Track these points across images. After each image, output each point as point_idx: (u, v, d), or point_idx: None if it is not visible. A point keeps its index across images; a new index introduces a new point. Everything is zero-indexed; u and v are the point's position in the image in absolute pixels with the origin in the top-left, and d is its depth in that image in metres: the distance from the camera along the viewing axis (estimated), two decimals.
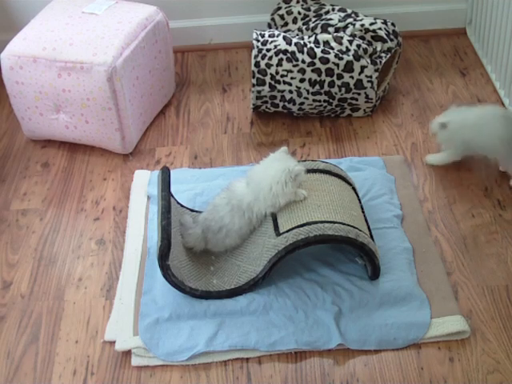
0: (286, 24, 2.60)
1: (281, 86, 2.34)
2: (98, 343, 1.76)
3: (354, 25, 2.43)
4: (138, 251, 1.97)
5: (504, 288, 1.84)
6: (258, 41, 2.34)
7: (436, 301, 1.78)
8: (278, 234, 1.79)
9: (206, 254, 1.92)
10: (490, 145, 2.09)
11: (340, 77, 2.33)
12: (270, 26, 2.62)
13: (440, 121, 2.14)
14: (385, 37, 2.43)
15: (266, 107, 2.43)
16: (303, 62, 2.30)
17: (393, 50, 2.45)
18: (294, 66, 2.31)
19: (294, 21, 2.59)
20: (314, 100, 2.37)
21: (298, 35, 2.48)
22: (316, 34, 2.39)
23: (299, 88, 2.34)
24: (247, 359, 1.70)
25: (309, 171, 1.93)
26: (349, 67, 2.32)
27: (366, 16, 2.49)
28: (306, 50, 2.31)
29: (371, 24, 2.43)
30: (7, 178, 2.31)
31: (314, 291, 1.81)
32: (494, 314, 1.77)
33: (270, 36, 2.34)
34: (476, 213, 2.06)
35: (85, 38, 2.22)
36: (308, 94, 2.35)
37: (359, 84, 2.34)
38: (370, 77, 2.34)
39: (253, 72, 2.34)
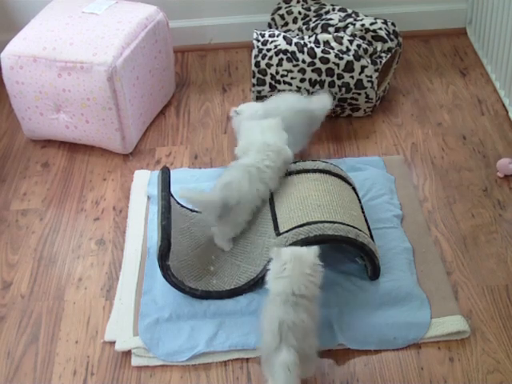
0: (287, 24, 2.60)
1: (281, 86, 2.34)
2: (98, 343, 1.76)
3: (354, 25, 2.43)
4: (137, 251, 1.97)
5: (504, 288, 1.84)
6: (259, 41, 2.34)
7: (436, 301, 1.78)
8: (278, 233, 1.79)
9: (206, 253, 1.91)
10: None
11: (340, 77, 2.33)
12: (270, 26, 2.62)
13: (235, 108, 2.15)
14: (385, 37, 2.43)
15: None
16: (303, 61, 2.30)
17: (393, 50, 2.45)
18: (295, 65, 2.31)
19: (295, 21, 2.59)
20: None
21: (298, 35, 2.48)
22: (316, 34, 2.39)
23: (299, 88, 2.34)
24: (247, 359, 1.70)
25: (309, 171, 1.93)
26: (349, 67, 2.32)
27: (366, 16, 2.49)
28: (306, 49, 2.30)
29: (371, 24, 2.43)
30: (7, 178, 2.31)
31: None
32: (493, 314, 1.77)
33: (270, 36, 2.34)
34: (476, 213, 2.06)
35: (85, 38, 2.22)
36: (308, 94, 2.35)
37: (359, 84, 2.34)
38: (370, 77, 2.34)
39: (253, 72, 2.34)
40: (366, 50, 2.37)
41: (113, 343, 1.74)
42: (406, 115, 2.47)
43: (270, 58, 2.31)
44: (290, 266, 1.57)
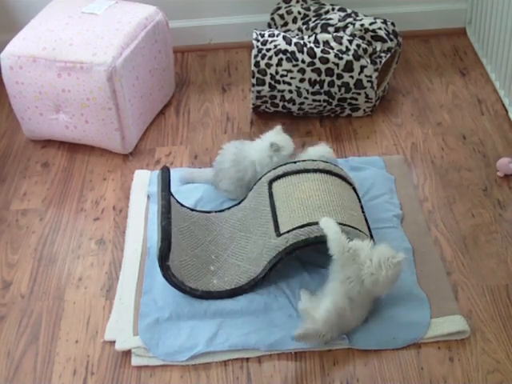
0: (286, 24, 2.60)
1: (280, 86, 2.34)
2: (98, 343, 1.76)
3: (353, 24, 2.43)
4: (137, 251, 1.97)
5: (504, 288, 1.84)
6: (258, 41, 2.34)
7: (436, 301, 1.78)
8: (279, 234, 1.78)
9: (206, 253, 1.91)
10: None
11: (340, 76, 2.33)
12: (269, 26, 2.62)
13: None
14: (384, 36, 2.43)
15: (266, 107, 2.43)
16: (303, 61, 2.30)
17: (392, 50, 2.45)
18: (294, 65, 2.31)
19: (294, 20, 2.59)
20: (313, 100, 2.37)
21: (297, 35, 2.48)
22: (316, 34, 2.39)
23: (299, 88, 2.34)
24: (247, 359, 1.70)
25: (309, 171, 1.93)
26: (348, 67, 2.32)
27: (365, 16, 2.49)
28: (305, 49, 2.31)
29: (371, 24, 2.43)
30: (7, 178, 2.31)
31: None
32: (493, 314, 1.77)
33: (269, 36, 2.34)
34: (476, 213, 2.06)
35: (85, 38, 2.22)
36: (308, 93, 2.35)
37: (359, 84, 2.34)
38: (370, 76, 2.34)
39: (252, 72, 2.34)
40: (365, 50, 2.37)
41: (113, 343, 1.74)
42: (405, 115, 2.47)
43: (270, 57, 2.31)
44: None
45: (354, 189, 1.98)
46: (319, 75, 2.32)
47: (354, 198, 1.94)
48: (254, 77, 2.34)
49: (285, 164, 1.97)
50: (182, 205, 2.01)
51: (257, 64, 2.33)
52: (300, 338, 1.64)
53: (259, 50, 2.32)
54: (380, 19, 2.47)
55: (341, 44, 2.34)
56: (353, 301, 1.66)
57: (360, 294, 1.67)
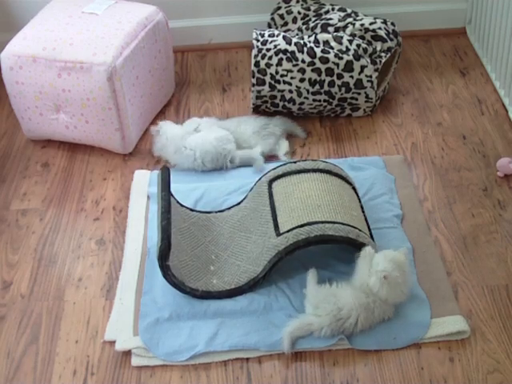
0: (286, 24, 2.60)
1: (281, 86, 2.34)
2: (98, 343, 1.76)
3: (353, 24, 2.43)
4: (137, 251, 1.97)
5: (504, 288, 1.84)
6: (258, 40, 2.34)
7: (436, 301, 1.78)
8: (279, 233, 1.79)
9: (206, 253, 1.92)
10: None
11: (340, 76, 2.33)
12: (269, 26, 2.62)
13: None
14: (385, 36, 2.43)
15: (266, 107, 2.43)
16: (303, 61, 2.30)
17: (393, 50, 2.45)
18: (294, 65, 2.31)
19: (294, 20, 2.59)
20: (313, 100, 2.37)
21: (297, 35, 2.48)
22: (316, 34, 2.39)
23: (299, 88, 2.34)
24: (247, 359, 1.70)
25: (309, 171, 1.93)
26: (349, 67, 2.32)
27: (365, 15, 2.49)
28: (305, 49, 2.31)
29: (371, 23, 2.43)
30: (7, 178, 2.31)
31: None
32: (493, 314, 1.77)
33: (269, 36, 2.35)
34: (476, 213, 2.06)
35: (85, 38, 2.22)
36: (308, 93, 2.35)
37: (359, 84, 2.34)
38: (370, 76, 2.34)
39: (253, 72, 2.34)
40: (365, 50, 2.37)
41: (113, 343, 1.74)
42: (406, 115, 2.47)
43: (270, 57, 2.31)
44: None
45: (354, 189, 1.99)
46: (319, 75, 2.32)
47: (354, 198, 1.94)
48: (254, 77, 2.34)
49: (284, 164, 1.97)
50: (181, 205, 2.01)
51: (257, 64, 2.33)
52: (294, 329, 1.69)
53: (259, 50, 2.32)
54: (380, 19, 2.47)
55: (341, 44, 2.34)
56: (367, 309, 1.70)
57: (375, 303, 1.70)
